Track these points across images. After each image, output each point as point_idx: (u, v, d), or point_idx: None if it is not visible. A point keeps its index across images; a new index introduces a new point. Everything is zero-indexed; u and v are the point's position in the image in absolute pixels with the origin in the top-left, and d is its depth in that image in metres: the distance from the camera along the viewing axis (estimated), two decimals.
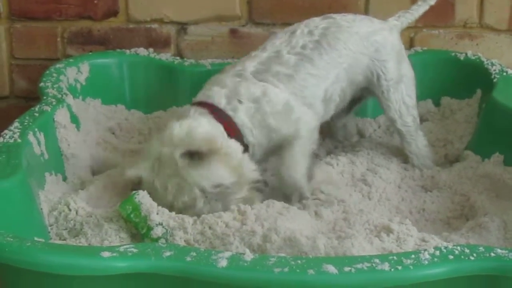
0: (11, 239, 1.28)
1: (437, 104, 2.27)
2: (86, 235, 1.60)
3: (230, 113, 1.76)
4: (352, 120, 2.19)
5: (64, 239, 1.63)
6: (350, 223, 1.70)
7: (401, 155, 2.07)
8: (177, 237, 1.55)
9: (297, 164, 1.81)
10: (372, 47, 1.95)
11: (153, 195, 1.65)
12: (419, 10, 2.10)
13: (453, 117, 2.21)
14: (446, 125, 2.20)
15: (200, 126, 1.70)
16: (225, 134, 1.74)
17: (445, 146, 2.12)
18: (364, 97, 2.08)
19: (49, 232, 1.65)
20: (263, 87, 1.80)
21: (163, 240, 1.55)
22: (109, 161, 2.00)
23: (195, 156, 1.65)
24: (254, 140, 1.78)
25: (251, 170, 1.74)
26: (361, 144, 2.13)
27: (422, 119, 2.23)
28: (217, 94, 1.79)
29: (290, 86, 1.84)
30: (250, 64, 1.84)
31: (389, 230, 1.56)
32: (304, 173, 1.81)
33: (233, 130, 1.75)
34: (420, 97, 2.25)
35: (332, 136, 2.18)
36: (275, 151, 1.83)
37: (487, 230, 1.64)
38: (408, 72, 2.02)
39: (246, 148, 1.77)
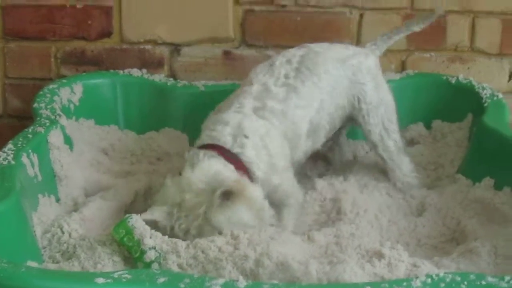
0: (6, 265, 1.28)
1: (428, 127, 2.28)
2: (79, 258, 1.61)
3: (237, 150, 1.77)
4: (345, 143, 2.20)
5: (57, 262, 1.64)
6: (342, 247, 1.71)
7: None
8: (170, 261, 1.55)
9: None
10: (349, 70, 1.97)
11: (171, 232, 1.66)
12: (399, 33, 2.12)
13: (444, 141, 2.22)
14: (437, 148, 2.21)
15: (223, 170, 1.71)
16: (245, 177, 1.74)
17: (436, 170, 2.14)
18: (346, 126, 2.10)
19: (42, 255, 1.66)
20: (266, 126, 1.82)
21: (156, 264, 1.56)
22: (102, 183, 2.01)
23: (225, 197, 1.65)
24: (262, 175, 1.78)
25: (270, 216, 1.75)
26: (353, 167, 2.14)
27: (414, 142, 2.25)
28: (221, 133, 1.79)
29: (284, 123, 1.85)
30: (246, 101, 1.85)
31: (380, 255, 1.57)
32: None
33: (243, 168, 1.76)
34: (412, 120, 2.27)
35: (325, 158, 2.19)
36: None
37: (477, 255, 1.65)
38: (387, 96, 2.03)
39: None
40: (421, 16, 2.15)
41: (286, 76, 1.91)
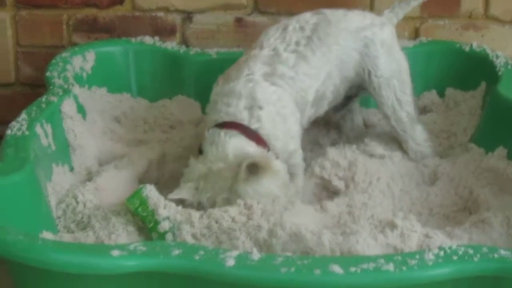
0: (22, 237, 1.29)
1: (441, 95, 2.27)
2: (94, 229, 1.62)
3: (255, 125, 1.77)
4: (358, 113, 2.20)
5: (72, 232, 1.66)
6: (354, 217, 1.72)
7: None
8: (184, 231, 1.57)
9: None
10: (362, 42, 1.95)
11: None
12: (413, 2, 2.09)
13: (457, 109, 2.21)
14: (450, 116, 2.20)
15: (246, 146, 1.72)
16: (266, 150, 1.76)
17: (449, 138, 2.13)
18: (359, 94, 2.09)
19: (57, 225, 1.67)
20: (277, 92, 1.82)
21: (170, 234, 1.57)
22: (115, 152, 2.02)
23: (251, 171, 1.66)
24: (280, 144, 1.80)
25: (294, 191, 1.77)
26: (365, 134, 2.14)
27: (426, 110, 2.24)
28: (237, 109, 1.78)
29: (294, 88, 1.86)
30: (256, 66, 1.84)
31: (393, 226, 1.57)
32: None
33: (262, 142, 1.77)
34: (425, 87, 2.27)
35: (338, 127, 2.19)
36: None
37: (490, 226, 1.65)
38: (401, 67, 2.01)
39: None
40: None
41: (297, 43, 1.89)
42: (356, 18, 1.98)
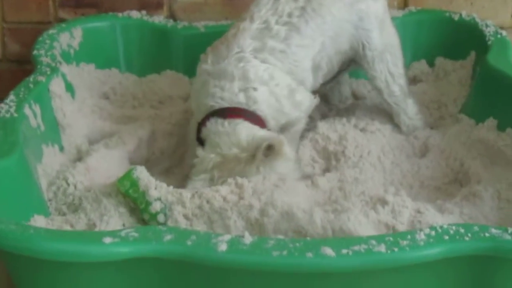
0: (14, 227, 1.29)
1: (431, 64, 2.27)
2: (85, 210, 1.62)
3: (253, 107, 1.77)
4: (345, 84, 2.19)
5: (64, 214, 1.65)
6: (345, 193, 1.72)
7: None
8: (176, 212, 1.57)
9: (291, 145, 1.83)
10: (356, 15, 1.93)
11: None
12: None
13: (447, 79, 2.21)
14: (440, 86, 2.20)
15: (253, 131, 1.73)
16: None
17: (439, 109, 2.13)
18: (349, 68, 2.07)
19: (48, 207, 1.67)
20: (268, 70, 1.81)
21: (161, 215, 1.57)
22: (105, 130, 2.01)
23: (266, 154, 1.67)
24: (275, 124, 1.81)
25: (301, 171, 1.79)
26: (355, 107, 2.14)
27: (416, 80, 2.24)
28: (232, 92, 1.77)
29: (286, 63, 1.84)
30: (245, 42, 1.82)
31: (384, 202, 1.57)
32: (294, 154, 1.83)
33: (262, 123, 1.78)
34: (414, 57, 2.26)
35: (326, 99, 2.18)
36: None
37: (481, 199, 1.66)
38: (393, 40, 2.00)
39: None
40: None
41: (290, 15, 1.87)
42: None
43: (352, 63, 2.03)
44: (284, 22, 1.86)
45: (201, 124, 1.78)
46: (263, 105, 1.79)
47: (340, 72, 2.06)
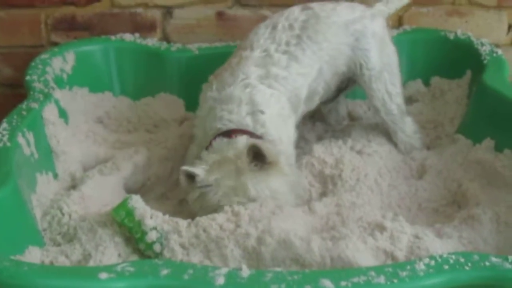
0: (8, 264, 1.28)
1: (427, 84, 2.26)
2: (81, 241, 1.60)
3: (261, 131, 1.77)
4: (342, 104, 2.18)
5: (59, 245, 1.64)
6: (343, 218, 1.70)
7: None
8: (172, 241, 1.55)
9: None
10: (352, 36, 1.93)
11: (202, 195, 1.67)
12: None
13: (443, 98, 2.20)
14: (437, 106, 2.19)
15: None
16: None
17: (436, 128, 2.12)
18: (350, 86, 2.07)
19: (43, 237, 1.65)
20: (274, 95, 1.82)
21: (158, 244, 1.55)
22: (99, 155, 2.00)
23: (258, 162, 1.66)
24: (284, 147, 1.80)
25: (305, 191, 1.79)
26: (352, 128, 2.12)
27: (412, 100, 2.23)
28: (240, 115, 1.78)
29: (288, 89, 1.85)
30: (249, 69, 1.83)
31: (382, 228, 1.56)
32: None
33: None
34: (410, 76, 2.25)
35: (323, 120, 2.17)
36: None
37: (479, 223, 1.64)
38: (391, 59, 2.00)
39: None
40: None
41: (287, 43, 1.88)
42: (345, 11, 1.96)
43: (351, 82, 2.03)
44: (283, 50, 1.87)
45: (208, 145, 1.77)
46: (271, 128, 1.78)
47: (339, 91, 2.05)
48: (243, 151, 1.66)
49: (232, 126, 1.77)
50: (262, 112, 1.78)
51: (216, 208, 1.65)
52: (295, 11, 1.94)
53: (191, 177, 1.69)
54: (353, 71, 1.96)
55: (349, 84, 2.05)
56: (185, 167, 1.68)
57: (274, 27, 1.90)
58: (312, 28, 1.89)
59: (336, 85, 1.98)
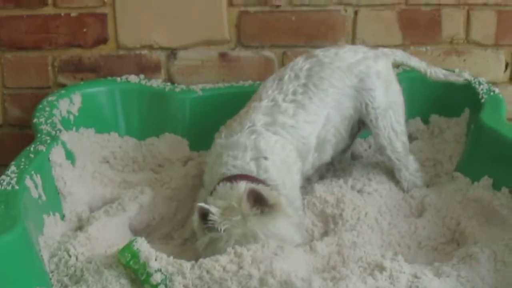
0: None
1: (426, 122, 2.30)
2: (87, 282, 1.64)
3: (264, 176, 1.81)
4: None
5: (66, 286, 1.67)
6: (344, 258, 1.74)
7: (392, 175, 2.10)
8: (176, 283, 1.59)
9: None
10: (356, 78, 1.98)
11: (213, 243, 1.70)
12: (419, 64, 2.15)
13: (442, 136, 2.23)
14: (436, 144, 2.22)
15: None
16: None
17: (435, 166, 2.16)
18: (360, 130, 2.11)
19: (50, 279, 1.68)
20: (279, 141, 1.87)
21: (162, 286, 1.59)
22: (106, 196, 2.04)
23: (261, 207, 1.70)
24: (287, 192, 1.83)
25: (307, 234, 1.83)
26: (352, 167, 2.16)
27: (412, 138, 2.26)
28: (244, 161, 1.82)
29: (295, 138, 1.90)
30: (256, 117, 1.89)
31: (382, 268, 1.60)
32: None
33: None
34: (409, 115, 2.28)
35: None
36: None
37: (477, 261, 1.67)
38: (397, 98, 2.04)
39: None
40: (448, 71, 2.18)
41: (294, 93, 1.94)
42: (348, 55, 2.01)
43: (362, 125, 2.07)
44: (290, 100, 1.93)
45: (212, 190, 1.81)
46: (274, 174, 1.82)
47: (352, 137, 2.10)
48: (242, 196, 1.69)
49: (236, 171, 1.82)
50: (265, 158, 1.83)
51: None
52: (300, 61, 2.00)
53: (204, 216, 1.71)
54: (359, 111, 2.00)
55: (359, 127, 2.09)
56: (201, 204, 1.71)
57: (281, 79, 1.97)
58: (316, 75, 1.96)
59: (347, 131, 2.03)
